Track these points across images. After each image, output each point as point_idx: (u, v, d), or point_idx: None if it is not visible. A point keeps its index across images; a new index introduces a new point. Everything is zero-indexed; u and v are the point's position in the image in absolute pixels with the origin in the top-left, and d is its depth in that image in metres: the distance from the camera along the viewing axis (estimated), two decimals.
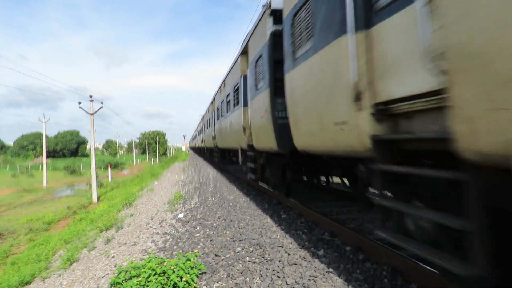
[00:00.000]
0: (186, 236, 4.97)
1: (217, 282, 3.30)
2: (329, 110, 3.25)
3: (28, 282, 6.04)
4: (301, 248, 3.93)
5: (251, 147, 7.17)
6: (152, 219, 6.73)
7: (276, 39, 5.22)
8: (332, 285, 2.92)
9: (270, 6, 5.33)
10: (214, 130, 14.53)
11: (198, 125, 29.08)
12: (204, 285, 3.31)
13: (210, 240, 4.59)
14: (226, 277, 3.38)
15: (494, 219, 1.71)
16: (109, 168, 40.27)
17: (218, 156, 16.33)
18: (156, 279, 3.28)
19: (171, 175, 16.84)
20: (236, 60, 8.75)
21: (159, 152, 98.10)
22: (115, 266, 4.34)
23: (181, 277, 3.30)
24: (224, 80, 11.32)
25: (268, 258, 3.66)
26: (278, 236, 4.46)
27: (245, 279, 3.25)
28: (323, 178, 7.52)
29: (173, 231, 5.36)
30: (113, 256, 4.98)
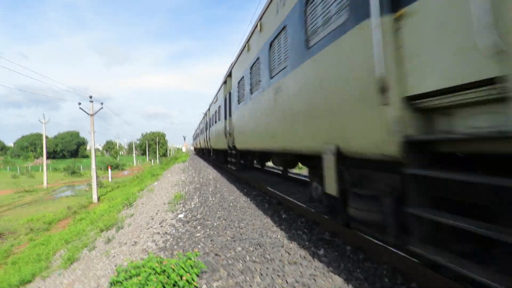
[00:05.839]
0: (187, 236, 4.97)
1: (218, 281, 3.30)
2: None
3: (29, 282, 6.05)
4: (301, 248, 3.94)
5: None
6: (152, 219, 6.73)
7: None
8: (332, 284, 2.93)
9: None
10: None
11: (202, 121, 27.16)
12: (204, 284, 3.31)
13: (211, 240, 4.59)
14: (227, 276, 3.38)
15: None
16: (109, 169, 40.34)
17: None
18: (156, 278, 3.29)
19: (171, 176, 16.86)
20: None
21: (159, 153, 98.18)
22: (115, 266, 4.34)
23: (182, 276, 3.30)
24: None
25: (269, 258, 3.67)
26: (279, 236, 4.46)
27: (245, 278, 3.26)
28: None
29: (174, 231, 5.37)
30: (114, 256, 4.98)
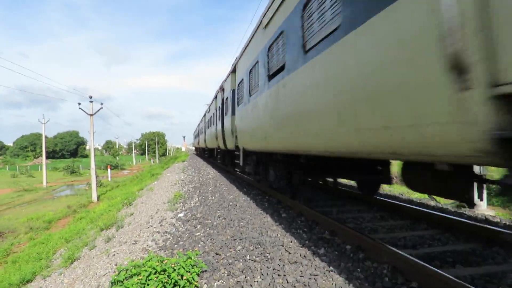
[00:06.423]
0: (187, 235, 4.98)
1: (218, 281, 3.31)
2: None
3: (30, 280, 6.05)
4: (301, 247, 3.94)
5: None
6: (152, 218, 6.73)
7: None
8: (332, 284, 2.93)
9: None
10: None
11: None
12: (205, 283, 3.31)
13: (211, 239, 4.60)
14: (227, 275, 3.38)
15: None
16: (109, 169, 40.34)
17: None
18: (157, 277, 3.29)
19: (171, 175, 16.85)
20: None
21: (158, 152, 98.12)
22: (115, 265, 4.34)
23: (182, 276, 3.30)
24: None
25: (269, 257, 3.67)
26: (279, 235, 4.46)
27: (245, 277, 3.26)
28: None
29: (174, 230, 5.37)
30: (114, 255, 4.98)
